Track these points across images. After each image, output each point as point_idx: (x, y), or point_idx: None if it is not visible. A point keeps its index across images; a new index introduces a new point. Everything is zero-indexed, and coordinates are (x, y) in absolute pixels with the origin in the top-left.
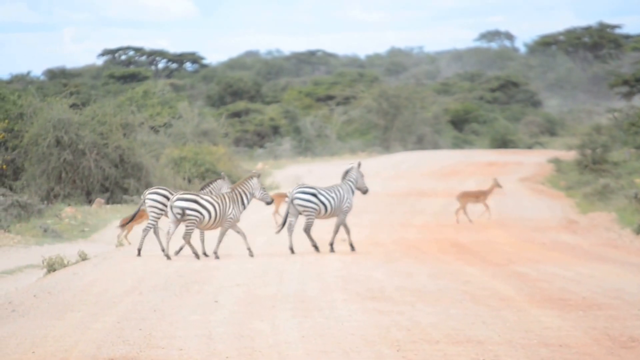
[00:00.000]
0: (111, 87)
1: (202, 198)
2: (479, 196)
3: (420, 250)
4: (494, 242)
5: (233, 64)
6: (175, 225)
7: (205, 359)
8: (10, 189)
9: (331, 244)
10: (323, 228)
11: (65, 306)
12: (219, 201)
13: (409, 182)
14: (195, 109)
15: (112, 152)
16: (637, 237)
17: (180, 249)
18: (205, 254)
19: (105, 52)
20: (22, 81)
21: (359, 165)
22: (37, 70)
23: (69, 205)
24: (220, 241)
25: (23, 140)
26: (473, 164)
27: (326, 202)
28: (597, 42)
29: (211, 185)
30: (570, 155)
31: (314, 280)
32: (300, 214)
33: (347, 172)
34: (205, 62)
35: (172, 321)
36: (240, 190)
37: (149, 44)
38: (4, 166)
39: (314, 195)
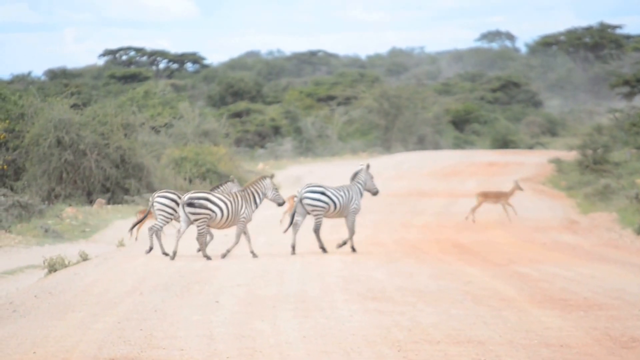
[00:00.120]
0: (112, 88)
1: (214, 196)
2: (499, 197)
3: (421, 250)
4: (494, 242)
5: (234, 64)
6: (186, 225)
7: (206, 359)
8: (11, 189)
9: (347, 242)
10: (324, 229)
11: (66, 306)
12: (231, 200)
13: (410, 182)
14: (196, 109)
15: (113, 153)
16: (638, 237)
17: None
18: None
19: (106, 53)
20: (23, 81)
21: (368, 167)
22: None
23: (70, 205)
24: (237, 242)
25: (24, 141)
26: (474, 164)
27: (335, 199)
28: (598, 42)
29: (221, 187)
30: (571, 156)
31: (315, 280)
32: (308, 213)
33: (356, 174)
34: (206, 62)
35: (173, 321)
36: (252, 190)
37: (149, 44)
38: (5, 166)
39: (323, 193)
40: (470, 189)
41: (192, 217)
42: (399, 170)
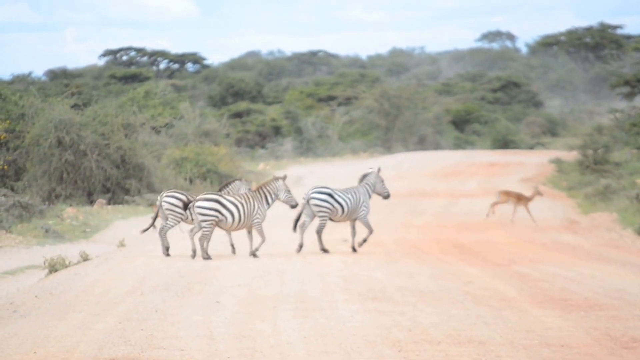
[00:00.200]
0: (113, 88)
1: (225, 199)
2: (520, 199)
3: (422, 250)
4: (495, 242)
5: (234, 65)
6: (199, 226)
7: (206, 359)
8: (12, 189)
9: (363, 240)
10: (327, 230)
11: (67, 307)
12: (243, 202)
13: (410, 182)
14: (196, 109)
15: (114, 153)
16: (639, 237)
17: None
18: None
19: (107, 53)
20: (23, 81)
21: (379, 170)
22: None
23: (71, 205)
24: (262, 242)
25: (24, 141)
26: (474, 164)
27: (343, 202)
28: (598, 42)
29: (229, 187)
30: (572, 156)
31: (315, 280)
32: (315, 214)
33: (364, 176)
34: (206, 62)
35: (174, 322)
36: (265, 190)
37: (150, 45)
38: (6, 167)
39: (330, 195)
40: (471, 189)
41: (200, 218)
42: (400, 170)
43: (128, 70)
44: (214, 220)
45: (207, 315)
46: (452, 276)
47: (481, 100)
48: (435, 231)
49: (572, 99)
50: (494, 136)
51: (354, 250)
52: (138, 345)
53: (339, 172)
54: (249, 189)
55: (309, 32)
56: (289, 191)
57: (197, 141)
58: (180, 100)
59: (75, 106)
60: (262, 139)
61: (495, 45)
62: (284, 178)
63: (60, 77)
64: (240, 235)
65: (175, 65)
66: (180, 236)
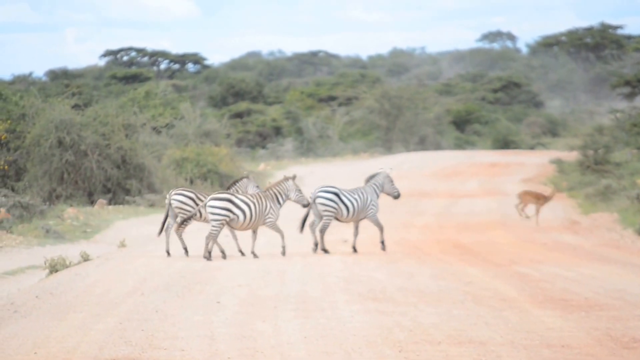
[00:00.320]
0: (113, 88)
1: (237, 198)
2: (539, 198)
3: (422, 250)
4: (495, 242)
5: (235, 65)
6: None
7: (207, 359)
8: (13, 189)
9: (382, 242)
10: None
11: (68, 307)
12: (255, 201)
13: (411, 182)
14: (197, 109)
15: (114, 153)
16: (639, 237)
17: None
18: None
19: (107, 53)
20: (24, 82)
21: (390, 170)
22: (39, 71)
23: (71, 206)
24: (283, 238)
25: (25, 141)
26: (475, 164)
27: (349, 203)
28: (599, 42)
29: (237, 185)
30: (572, 156)
31: (316, 280)
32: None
33: (372, 176)
34: (207, 62)
35: (174, 322)
36: (275, 190)
37: (151, 45)
38: (6, 167)
39: (337, 195)
40: (471, 189)
41: (211, 217)
42: (400, 170)
43: (129, 71)
44: (225, 220)
45: (207, 315)
46: (453, 276)
47: (482, 101)
48: (435, 231)
49: (572, 99)
50: (494, 136)
51: (355, 250)
52: (139, 346)
53: (339, 173)
54: (257, 187)
55: (310, 33)
56: (299, 190)
57: (198, 141)
58: (180, 100)
59: (75, 106)
60: (262, 139)
61: (495, 46)
62: (294, 178)
63: (61, 78)
64: (242, 236)
65: (176, 66)
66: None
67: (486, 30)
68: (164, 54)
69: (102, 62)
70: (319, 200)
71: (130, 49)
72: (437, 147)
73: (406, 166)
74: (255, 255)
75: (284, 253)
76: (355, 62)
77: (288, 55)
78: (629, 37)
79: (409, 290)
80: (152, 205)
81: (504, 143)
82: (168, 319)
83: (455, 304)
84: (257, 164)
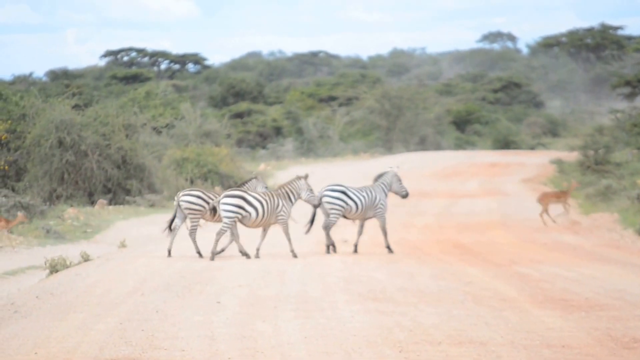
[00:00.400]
0: (113, 88)
1: (249, 195)
2: (560, 196)
3: (422, 251)
4: (495, 242)
5: (235, 65)
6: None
7: (207, 359)
8: (13, 190)
9: (388, 246)
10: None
11: (68, 307)
12: (267, 199)
13: (411, 183)
14: (197, 110)
15: (115, 153)
16: (639, 238)
17: (257, 250)
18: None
19: (108, 53)
20: (24, 82)
21: (398, 169)
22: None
23: (72, 206)
24: (290, 240)
25: (25, 141)
26: (475, 164)
27: (357, 199)
28: (599, 43)
29: (246, 185)
30: (573, 156)
31: (316, 281)
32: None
33: (380, 175)
34: (207, 63)
35: (175, 322)
36: (287, 189)
37: (151, 45)
38: (7, 167)
39: (344, 193)
40: (472, 189)
41: (224, 214)
42: (400, 170)
43: (129, 71)
44: (238, 217)
45: (208, 315)
46: (453, 276)
47: (482, 101)
48: (435, 231)
49: (572, 99)
50: (494, 137)
51: (355, 250)
52: (139, 346)
53: (340, 173)
54: (266, 187)
55: (310, 33)
56: (311, 190)
57: (198, 142)
58: (181, 100)
59: (76, 107)
60: (263, 139)
61: (496, 46)
62: (306, 177)
63: (61, 78)
64: (247, 237)
65: (176, 66)
66: (182, 236)
67: (486, 30)
68: (164, 54)
69: (102, 63)
70: (325, 199)
71: (131, 49)
72: (438, 147)
73: (406, 166)
74: (257, 255)
75: (295, 256)
76: (356, 63)
77: (288, 55)
78: (629, 38)
79: (409, 290)
80: (152, 205)
81: (504, 143)
82: (168, 319)
83: (456, 304)
84: (257, 164)
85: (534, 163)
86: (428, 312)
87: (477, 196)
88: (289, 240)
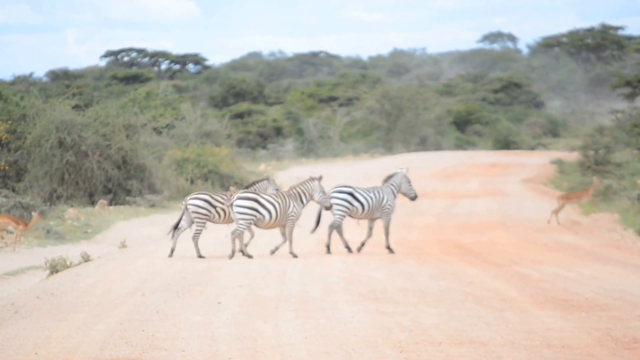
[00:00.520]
0: (114, 89)
1: (262, 197)
2: (581, 196)
3: (423, 251)
4: (496, 243)
5: (236, 65)
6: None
7: None
8: (13, 190)
9: (388, 247)
10: (323, 229)
11: (68, 307)
12: (279, 200)
13: (412, 183)
14: (198, 110)
15: (115, 154)
16: None
17: (276, 248)
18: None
19: (108, 54)
20: (24, 82)
21: (407, 170)
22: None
23: (72, 206)
24: (291, 241)
25: (26, 142)
26: (475, 165)
27: (364, 201)
28: (599, 43)
29: (256, 186)
30: (573, 157)
31: (317, 281)
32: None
33: (390, 177)
34: (208, 63)
35: (175, 322)
36: (299, 190)
37: (151, 45)
38: (7, 167)
39: (351, 194)
40: (472, 189)
41: (238, 216)
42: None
43: (129, 71)
44: (253, 219)
45: (208, 316)
46: (453, 277)
47: (482, 101)
48: (436, 232)
49: (573, 99)
50: (495, 137)
51: (359, 250)
52: (139, 346)
53: (340, 173)
54: (277, 189)
55: (310, 33)
56: (323, 192)
57: (199, 142)
58: (181, 101)
59: (76, 107)
60: (263, 139)
61: (496, 46)
62: (320, 179)
63: (62, 78)
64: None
65: (177, 66)
66: (183, 238)
67: (487, 30)
68: (164, 55)
69: (102, 63)
70: (332, 200)
71: (131, 49)
72: (438, 147)
73: (407, 167)
74: (294, 255)
75: (295, 256)
76: (356, 63)
77: (289, 55)
78: (630, 38)
79: (409, 290)
80: (152, 205)
81: (505, 143)
82: (169, 320)
83: (456, 304)
84: (257, 164)
85: (534, 163)
86: (428, 312)
87: (478, 196)
88: (291, 241)
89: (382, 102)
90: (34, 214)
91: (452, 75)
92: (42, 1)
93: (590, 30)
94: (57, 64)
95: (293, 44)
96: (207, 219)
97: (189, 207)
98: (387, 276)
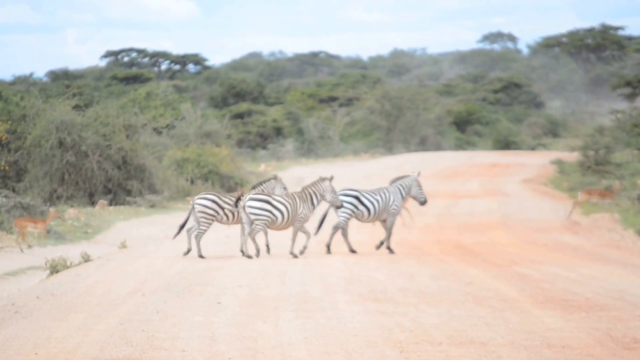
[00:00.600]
0: (114, 89)
1: (274, 199)
2: (604, 195)
3: (423, 251)
4: (496, 243)
5: (236, 66)
6: (249, 225)
7: None
8: (13, 190)
9: (388, 247)
10: (325, 229)
11: (68, 308)
12: (290, 201)
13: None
14: (198, 110)
15: (115, 154)
16: None
17: (304, 248)
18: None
19: (108, 54)
20: (24, 82)
21: (418, 174)
22: (40, 71)
23: (72, 206)
24: (294, 241)
25: (26, 142)
26: (476, 165)
27: (370, 205)
28: (599, 43)
29: (263, 185)
30: (573, 157)
31: (317, 281)
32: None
33: (399, 178)
34: (208, 63)
35: (175, 322)
36: (310, 190)
37: (151, 46)
38: (7, 167)
39: (357, 198)
40: (472, 190)
41: (253, 217)
42: (401, 171)
43: (129, 71)
44: (268, 220)
45: (208, 316)
46: (453, 277)
47: (482, 101)
48: (436, 232)
49: (573, 100)
50: (495, 137)
51: (377, 248)
52: (139, 346)
53: (340, 173)
54: (285, 188)
55: (310, 33)
56: (335, 192)
57: (199, 142)
58: (181, 101)
59: (76, 107)
60: (263, 139)
61: (496, 47)
62: (331, 179)
63: (62, 78)
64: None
65: (177, 66)
66: (183, 238)
67: (487, 31)
68: (164, 55)
69: (102, 63)
70: None
71: (131, 49)
72: (438, 147)
73: (407, 167)
74: (303, 251)
75: (296, 256)
76: (356, 63)
77: (289, 55)
78: (630, 38)
79: (409, 290)
80: (152, 206)
81: (505, 144)
82: (169, 320)
83: (456, 304)
84: (257, 164)
85: (534, 163)
86: (429, 312)
87: (478, 196)
88: (294, 241)
89: (382, 102)
90: (51, 209)
91: (452, 76)
92: (42, 1)
93: (590, 31)
94: (57, 64)
95: (293, 44)
96: (214, 220)
97: (195, 206)
98: (387, 276)
